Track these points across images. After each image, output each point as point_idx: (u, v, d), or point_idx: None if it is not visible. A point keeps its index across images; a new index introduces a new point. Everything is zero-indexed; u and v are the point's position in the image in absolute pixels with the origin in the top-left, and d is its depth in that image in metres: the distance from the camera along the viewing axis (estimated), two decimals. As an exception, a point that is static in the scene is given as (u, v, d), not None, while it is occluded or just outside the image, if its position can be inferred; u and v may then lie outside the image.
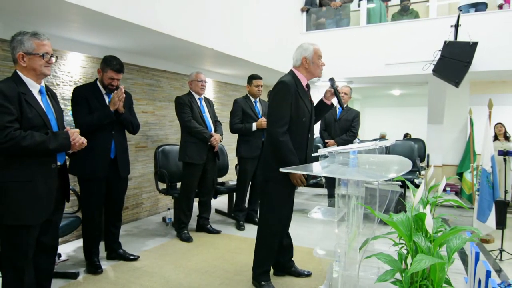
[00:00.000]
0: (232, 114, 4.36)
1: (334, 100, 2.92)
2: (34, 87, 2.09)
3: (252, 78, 4.35)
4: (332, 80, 2.80)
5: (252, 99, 4.35)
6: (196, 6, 3.86)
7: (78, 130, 2.18)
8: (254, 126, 4.19)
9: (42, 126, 2.05)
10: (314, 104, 2.85)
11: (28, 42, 2.04)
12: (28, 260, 2.06)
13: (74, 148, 2.16)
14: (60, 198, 2.25)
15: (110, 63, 2.96)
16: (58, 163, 2.16)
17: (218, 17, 4.24)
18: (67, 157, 2.30)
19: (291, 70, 2.73)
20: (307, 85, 2.75)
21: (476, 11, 5.53)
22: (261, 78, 4.34)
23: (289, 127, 2.57)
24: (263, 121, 4.13)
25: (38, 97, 2.10)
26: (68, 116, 3.69)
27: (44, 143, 1.99)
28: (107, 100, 3.01)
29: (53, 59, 2.12)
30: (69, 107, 3.66)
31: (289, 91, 2.56)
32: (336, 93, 2.80)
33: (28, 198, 2.00)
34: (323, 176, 2.57)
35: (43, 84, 2.15)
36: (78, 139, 2.15)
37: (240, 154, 4.34)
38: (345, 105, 4.74)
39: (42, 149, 1.99)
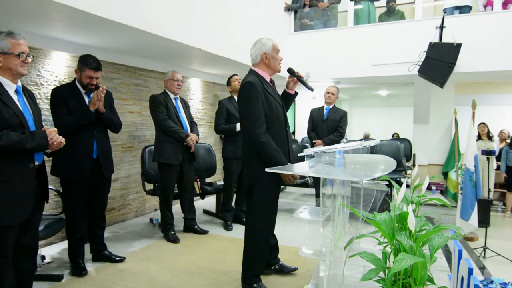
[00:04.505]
0: (217, 115, 4.38)
1: (301, 89, 2.90)
2: (10, 87, 2.06)
3: (229, 78, 4.46)
4: (290, 70, 2.81)
5: (237, 99, 4.35)
6: (184, 6, 3.85)
7: (56, 129, 2.14)
8: (238, 127, 4.19)
9: (19, 126, 2.02)
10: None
11: (3, 42, 2.01)
12: (7, 261, 2.03)
13: (52, 147, 2.12)
14: (39, 199, 2.22)
15: (87, 62, 2.91)
16: (36, 163, 2.13)
17: (206, 17, 4.23)
18: (46, 157, 2.27)
19: (251, 69, 2.70)
20: (271, 81, 2.73)
21: (460, 13, 5.63)
22: (237, 75, 4.46)
23: (266, 126, 2.54)
24: None
25: (15, 97, 2.07)
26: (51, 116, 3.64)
27: (21, 142, 1.96)
28: (86, 100, 2.96)
29: (29, 58, 2.09)
30: (53, 108, 3.62)
31: (257, 90, 2.52)
32: (299, 79, 2.79)
33: (5, 199, 1.96)
34: (309, 176, 2.58)
35: (19, 83, 2.12)
36: (56, 138, 2.11)
37: (226, 154, 4.35)
38: (332, 105, 4.79)
39: (18, 148, 1.96)
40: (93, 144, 2.98)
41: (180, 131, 3.78)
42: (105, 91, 2.94)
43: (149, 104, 3.87)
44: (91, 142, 2.97)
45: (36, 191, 2.15)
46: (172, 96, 3.91)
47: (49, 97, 3.58)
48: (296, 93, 2.92)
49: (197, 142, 3.95)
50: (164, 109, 3.78)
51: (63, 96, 2.91)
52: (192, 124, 4.05)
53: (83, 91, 2.98)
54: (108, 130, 3.18)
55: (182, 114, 3.95)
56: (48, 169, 3.49)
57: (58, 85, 3.65)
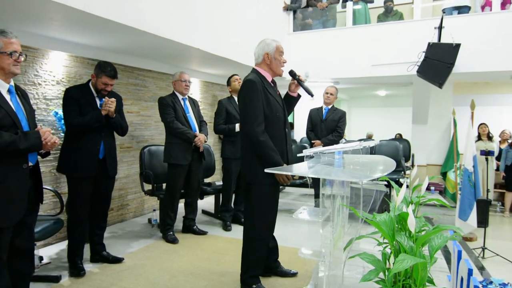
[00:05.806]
0: (216, 115, 4.37)
1: (301, 92, 2.89)
2: (3, 87, 2.03)
3: (229, 78, 4.48)
4: (292, 72, 2.80)
5: (236, 99, 4.36)
6: (183, 5, 3.83)
7: (49, 129, 2.11)
8: (237, 127, 4.18)
9: (12, 126, 1.99)
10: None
11: None
12: (2, 263, 2.00)
13: (46, 148, 2.09)
14: (34, 200, 2.20)
15: (105, 69, 2.96)
16: (30, 164, 2.10)
17: (205, 17, 4.21)
18: (40, 158, 2.25)
19: (253, 69, 2.70)
20: (273, 81, 2.72)
21: (459, 13, 5.63)
22: (237, 75, 4.47)
23: (265, 125, 2.53)
24: None
25: (7, 97, 2.04)
26: (50, 116, 3.62)
27: (14, 143, 1.93)
28: (98, 104, 3.01)
29: (22, 57, 2.07)
30: (51, 107, 3.62)
31: (257, 89, 2.52)
32: (300, 83, 2.79)
33: None
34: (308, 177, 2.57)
35: (12, 83, 2.10)
36: (49, 138, 2.08)
37: (225, 154, 4.35)
38: (331, 106, 4.78)
39: (12, 149, 1.93)
40: (100, 145, 3.02)
41: (188, 132, 3.78)
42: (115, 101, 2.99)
43: (158, 106, 3.89)
44: (98, 143, 3.00)
45: (31, 192, 2.13)
46: (180, 97, 3.92)
47: (50, 97, 3.60)
48: (299, 96, 2.91)
49: (205, 141, 3.96)
50: (171, 111, 3.78)
51: (77, 96, 2.95)
52: (202, 123, 4.06)
53: (95, 94, 3.02)
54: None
55: (191, 114, 3.95)
56: (48, 169, 3.49)
57: (56, 85, 3.66)
